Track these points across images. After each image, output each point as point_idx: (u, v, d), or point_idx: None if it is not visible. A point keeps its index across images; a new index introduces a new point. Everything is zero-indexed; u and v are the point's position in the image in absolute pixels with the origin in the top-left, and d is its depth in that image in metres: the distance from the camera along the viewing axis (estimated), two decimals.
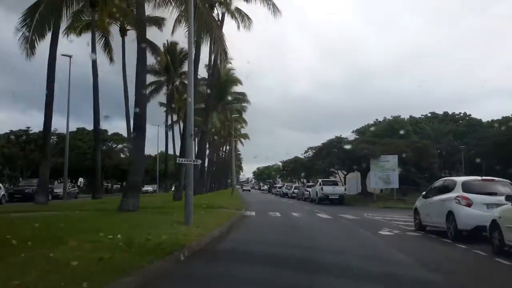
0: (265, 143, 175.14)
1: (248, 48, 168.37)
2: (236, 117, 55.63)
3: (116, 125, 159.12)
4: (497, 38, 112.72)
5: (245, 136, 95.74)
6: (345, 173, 40.88)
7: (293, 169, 58.81)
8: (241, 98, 47.87)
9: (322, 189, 30.41)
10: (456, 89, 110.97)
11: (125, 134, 62.26)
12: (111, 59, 30.62)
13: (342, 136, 36.11)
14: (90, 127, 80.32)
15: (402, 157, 32.38)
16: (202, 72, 38.65)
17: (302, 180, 62.60)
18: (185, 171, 11.06)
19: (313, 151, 38.34)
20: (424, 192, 12.81)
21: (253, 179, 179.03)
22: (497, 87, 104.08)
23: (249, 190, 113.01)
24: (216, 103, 41.23)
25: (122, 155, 72.23)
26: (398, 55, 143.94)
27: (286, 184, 52.93)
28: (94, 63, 26.63)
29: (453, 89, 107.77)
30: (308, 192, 35.26)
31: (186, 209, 10.42)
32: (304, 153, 39.60)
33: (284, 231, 11.61)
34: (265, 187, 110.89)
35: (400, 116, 60.01)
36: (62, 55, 27.20)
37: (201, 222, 11.21)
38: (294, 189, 44.35)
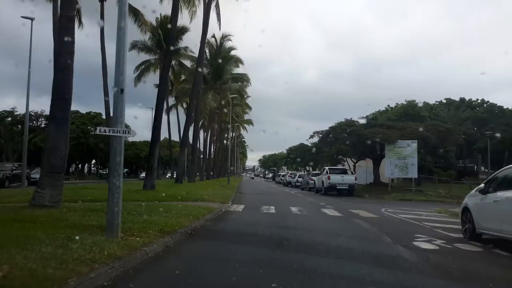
0: (272, 132, 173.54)
1: (256, 38, 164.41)
2: (236, 99, 51.55)
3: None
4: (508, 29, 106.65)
5: (249, 122, 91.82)
6: (354, 160, 36.72)
7: (297, 156, 54.71)
8: (241, 78, 43.53)
9: (328, 178, 26.35)
10: (467, 78, 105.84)
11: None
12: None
13: (353, 119, 31.69)
14: (85, 109, 77.10)
15: (423, 143, 28.16)
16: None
17: (307, 168, 58.57)
18: (111, 146, 6.84)
19: (320, 135, 34.12)
20: (482, 185, 8.64)
21: (259, 167, 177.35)
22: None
23: (252, 178, 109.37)
24: (213, 82, 37.21)
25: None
26: (408, 44, 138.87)
27: (289, 172, 48.91)
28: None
29: (465, 79, 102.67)
30: (313, 182, 31.25)
31: (108, 210, 6.43)
32: (309, 138, 35.37)
33: (270, 242, 7.55)
34: (270, 175, 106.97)
35: (415, 101, 55.38)
36: (22, 17, 23.33)
37: (142, 227, 7.24)
38: (298, 177, 40.36)
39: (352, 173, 28.17)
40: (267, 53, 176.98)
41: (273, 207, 14.94)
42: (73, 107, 62.50)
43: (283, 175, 51.85)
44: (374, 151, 29.49)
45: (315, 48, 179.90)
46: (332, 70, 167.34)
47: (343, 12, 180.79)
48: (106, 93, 26.11)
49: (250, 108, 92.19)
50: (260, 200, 19.09)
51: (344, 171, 28.30)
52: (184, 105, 66.16)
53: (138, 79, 39.71)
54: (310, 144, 45.83)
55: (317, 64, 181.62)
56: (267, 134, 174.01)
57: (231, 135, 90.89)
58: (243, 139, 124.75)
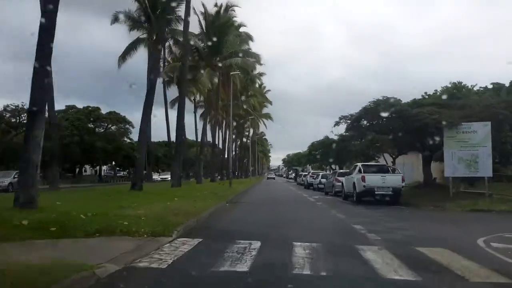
0: (296, 131, 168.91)
1: (278, 36, 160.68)
2: (243, 80, 43.98)
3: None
4: None
5: (267, 117, 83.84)
6: (394, 155, 28.35)
7: (321, 153, 46.42)
8: (248, 53, 35.65)
9: (363, 179, 18.23)
10: (496, 70, 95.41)
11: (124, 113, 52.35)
12: None
13: (394, 98, 23.13)
14: (81, 104, 69.99)
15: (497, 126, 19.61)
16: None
17: (332, 166, 50.15)
18: None
19: (347, 121, 25.88)
20: None
21: (283, 167, 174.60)
22: None
23: (273, 178, 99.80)
24: (210, 56, 29.75)
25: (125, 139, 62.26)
26: (433, 40, 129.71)
27: (311, 171, 40.66)
28: None
29: (494, 70, 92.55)
30: (340, 184, 23.15)
31: None
32: (334, 126, 27.08)
33: None
34: (293, 175, 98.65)
35: (462, 83, 46.16)
36: None
37: None
38: (321, 178, 32.21)
39: (397, 172, 19.76)
40: (290, 50, 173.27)
41: (257, 245, 7.00)
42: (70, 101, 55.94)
43: (304, 175, 43.70)
44: (425, 140, 21.10)
45: (339, 44, 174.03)
46: (356, 65, 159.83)
47: (367, 6, 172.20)
48: None
49: (270, 102, 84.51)
50: (249, 221, 11.25)
51: (384, 169, 20.07)
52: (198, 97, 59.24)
53: (122, 58, 32.60)
54: (335, 136, 37.60)
55: (341, 60, 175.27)
56: (292, 133, 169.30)
57: (250, 131, 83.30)
58: (264, 137, 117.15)
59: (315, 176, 35.47)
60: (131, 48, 33.26)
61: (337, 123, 26.41)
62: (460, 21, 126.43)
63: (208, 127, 48.94)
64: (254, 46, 44.26)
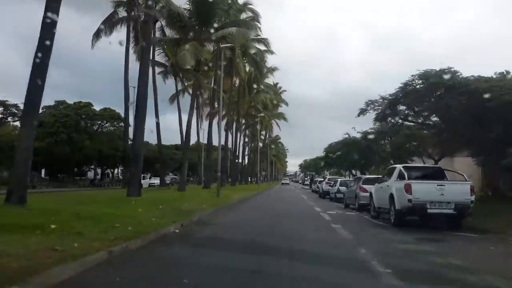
0: (314, 136, 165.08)
1: (298, 41, 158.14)
2: (250, 73, 37.69)
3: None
4: None
5: (281, 116, 77.12)
6: (436, 157, 21.40)
7: (340, 156, 39.52)
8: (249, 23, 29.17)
9: (408, 189, 11.43)
10: None
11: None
12: None
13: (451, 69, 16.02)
14: (73, 99, 63.71)
15: None
16: None
17: (353, 171, 43.07)
18: None
19: (376, 108, 19.01)
20: None
21: (300, 173, 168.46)
22: None
23: (287, 184, 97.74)
24: (198, 28, 23.41)
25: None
26: (455, 45, 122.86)
27: (328, 177, 33.66)
28: None
29: None
30: (366, 195, 16.39)
31: None
32: (358, 115, 20.03)
33: None
34: (309, 181, 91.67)
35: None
36: None
37: None
38: (340, 185, 25.42)
39: (463, 179, 12.61)
40: (309, 55, 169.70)
41: None
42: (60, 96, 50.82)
43: (319, 182, 36.89)
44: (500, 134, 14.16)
45: (359, 49, 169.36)
46: (377, 71, 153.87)
47: (388, 11, 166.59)
48: None
49: (286, 103, 77.86)
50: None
51: (438, 173, 13.04)
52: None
53: (96, 36, 26.75)
54: (358, 134, 30.76)
55: (361, 66, 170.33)
56: (310, 138, 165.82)
57: (259, 131, 76.72)
58: (278, 140, 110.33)
59: (332, 182, 28.61)
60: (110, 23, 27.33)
61: (362, 112, 19.54)
62: (483, 27, 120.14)
63: (216, 128, 42.82)
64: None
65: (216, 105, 28.76)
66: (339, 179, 27.36)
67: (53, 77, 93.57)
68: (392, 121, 19.18)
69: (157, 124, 34.22)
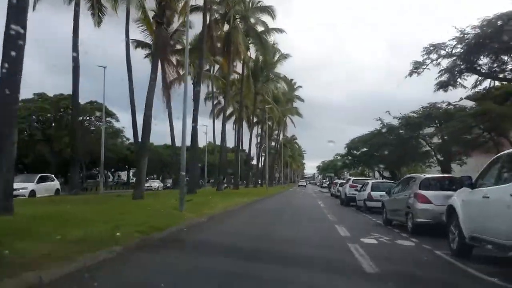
0: (332, 139, 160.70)
1: (313, 43, 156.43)
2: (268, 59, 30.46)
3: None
4: None
5: (295, 112, 69.57)
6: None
7: (366, 152, 31.83)
8: None
9: None
10: None
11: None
12: None
13: None
14: (52, 91, 56.33)
15: None
16: None
17: (380, 171, 35.30)
18: None
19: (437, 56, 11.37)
20: None
21: (318, 175, 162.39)
22: None
23: (304, 186, 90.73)
24: None
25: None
26: None
27: (352, 179, 25.72)
28: None
29: None
30: (434, 210, 8.90)
31: None
32: (410, 74, 12.40)
33: None
34: (327, 183, 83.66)
35: None
36: None
37: None
38: (373, 190, 17.87)
39: None
40: (325, 57, 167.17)
41: None
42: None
43: (341, 184, 29.41)
44: None
45: (375, 50, 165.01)
46: (395, 73, 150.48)
47: (407, 13, 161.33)
48: None
49: (302, 99, 70.44)
50: None
51: None
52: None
53: None
54: (395, 120, 23.24)
55: (378, 68, 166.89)
56: (327, 140, 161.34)
57: (265, 124, 69.33)
58: (294, 140, 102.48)
59: (360, 186, 21.00)
60: None
61: (417, 67, 11.96)
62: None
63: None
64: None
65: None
66: (370, 181, 19.62)
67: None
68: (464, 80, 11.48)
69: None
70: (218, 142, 52.99)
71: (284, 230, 10.97)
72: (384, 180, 23.32)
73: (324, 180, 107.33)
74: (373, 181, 20.22)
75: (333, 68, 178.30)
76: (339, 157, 35.41)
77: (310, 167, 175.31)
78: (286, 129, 77.00)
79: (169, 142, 43.61)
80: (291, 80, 64.91)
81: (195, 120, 24.81)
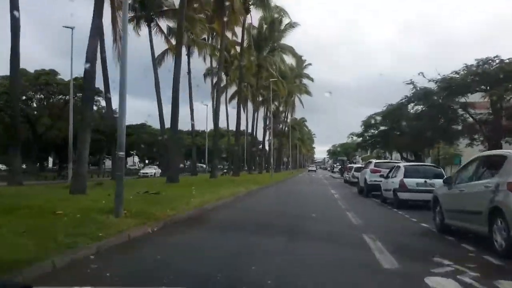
0: (342, 123, 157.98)
1: (323, 23, 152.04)
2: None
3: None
4: None
5: (302, 90, 64.28)
6: None
7: (386, 132, 26.86)
8: None
9: None
10: None
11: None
12: None
13: None
14: (33, 67, 50.34)
15: None
16: None
17: (403, 154, 30.27)
18: None
19: None
20: None
21: (329, 159, 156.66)
22: None
23: (314, 171, 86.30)
24: None
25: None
26: (485, 24, 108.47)
27: (374, 161, 20.32)
28: None
29: None
30: None
31: None
32: None
33: None
34: (339, 167, 78.53)
35: None
36: None
37: None
38: (406, 176, 13.03)
39: None
40: (336, 38, 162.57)
41: None
42: None
43: (357, 169, 24.64)
44: None
45: (387, 31, 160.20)
46: (404, 54, 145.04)
47: None
48: None
49: (311, 78, 65.01)
50: None
51: None
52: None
53: None
54: (432, 83, 18.23)
55: (388, 50, 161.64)
56: (337, 124, 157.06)
57: (270, 104, 64.49)
58: (304, 122, 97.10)
59: (385, 171, 16.17)
60: None
61: None
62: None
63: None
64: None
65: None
66: (401, 165, 14.68)
67: None
68: None
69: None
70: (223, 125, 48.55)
71: (277, 258, 6.09)
72: (416, 163, 18.39)
73: (335, 165, 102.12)
74: (407, 164, 15.32)
75: (341, 50, 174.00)
76: (354, 137, 30.35)
77: (320, 151, 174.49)
78: (294, 109, 71.90)
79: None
80: (301, 57, 59.71)
81: (175, 101, 20.07)
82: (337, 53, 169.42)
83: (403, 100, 21.02)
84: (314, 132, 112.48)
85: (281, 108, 67.41)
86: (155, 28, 32.78)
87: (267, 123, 60.84)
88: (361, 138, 30.53)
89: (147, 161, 63.16)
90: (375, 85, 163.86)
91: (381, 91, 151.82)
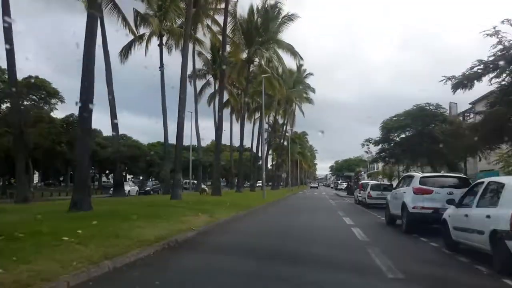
0: (343, 140, 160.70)
1: (323, 41, 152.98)
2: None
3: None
4: None
5: (303, 97, 57.26)
6: None
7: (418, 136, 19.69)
8: None
9: None
10: None
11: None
12: None
13: None
14: None
15: None
16: None
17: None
18: None
19: None
20: None
21: (331, 176, 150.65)
22: None
23: (316, 187, 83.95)
24: None
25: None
26: (486, 45, 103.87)
27: (418, 175, 12.93)
28: None
29: None
30: None
31: None
32: None
33: None
34: (344, 185, 70.81)
35: None
36: None
37: None
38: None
39: None
40: (336, 56, 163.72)
41: None
42: None
43: (375, 187, 17.34)
44: None
45: (387, 49, 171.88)
46: (405, 71, 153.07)
47: (416, 11, 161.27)
48: None
49: (312, 89, 58.32)
50: None
51: None
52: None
53: None
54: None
55: (388, 67, 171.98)
56: (339, 141, 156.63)
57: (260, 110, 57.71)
58: (305, 135, 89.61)
59: (439, 190, 9.06)
60: None
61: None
62: None
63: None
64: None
65: None
66: (506, 182, 7.47)
67: None
68: None
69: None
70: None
71: None
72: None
73: (339, 181, 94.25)
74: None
75: (341, 67, 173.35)
76: (370, 144, 22.62)
77: (321, 168, 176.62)
78: (294, 121, 64.83)
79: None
80: (301, 66, 52.88)
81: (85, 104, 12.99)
82: (338, 69, 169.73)
83: (474, 69, 13.40)
84: (315, 148, 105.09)
85: (279, 119, 60.49)
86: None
87: (263, 132, 54.07)
88: (380, 146, 23.06)
89: (129, 177, 55.73)
90: (375, 103, 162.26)
91: (382, 108, 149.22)
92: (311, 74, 57.61)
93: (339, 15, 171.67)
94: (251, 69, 35.09)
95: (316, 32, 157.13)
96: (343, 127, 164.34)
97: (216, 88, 44.81)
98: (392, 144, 22.30)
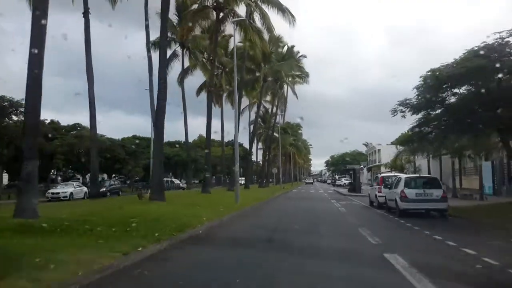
0: (337, 136, 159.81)
1: (316, 37, 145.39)
2: None
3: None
4: None
5: (294, 78, 48.18)
6: None
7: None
8: None
9: None
10: None
11: None
12: None
13: None
14: None
15: None
16: None
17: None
18: None
19: None
20: None
21: (326, 171, 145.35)
22: None
23: (311, 183, 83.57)
24: None
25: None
26: (477, 36, 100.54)
27: None
28: None
29: None
30: None
31: None
32: None
33: None
34: (344, 180, 61.97)
35: None
36: None
37: None
38: None
39: None
40: (329, 53, 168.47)
41: None
42: None
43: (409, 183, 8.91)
44: None
45: (379, 46, 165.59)
46: (397, 68, 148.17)
47: (407, 8, 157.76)
48: None
49: (306, 73, 49.47)
50: None
51: None
52: None
53: None
54: None
55: (381, 63, 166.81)
56: (333, 137, 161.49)
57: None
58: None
59: None
60: None
61: None
62: (504, 17, 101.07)
63: None
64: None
65: None
66: None
67: None
68: None
69: None
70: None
71: None
72: None
73: (336, 177, 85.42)
74: None
75: (334, 63, 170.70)
76: (406, 112, 13.61)
77: (316, 164, 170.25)
78: (286, 107, 55.74)
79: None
80: (293, 46, 43.75)
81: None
82: (330, 66, 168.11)
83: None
84: (302, 133, 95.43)
85: (268, 107, 51.48)
86: None
87: (237, 112, 45.41)
88: (420, 115, 13.28)
89: (72, 176, 45.41)
90: (368, 99, 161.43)
91: (375, 104, 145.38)
92: (304, 56, 47.97)
93: (330, 14, 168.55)
94: (223, 27, 26.12)
95: (307, 30, 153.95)
96: (336, 124, 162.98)
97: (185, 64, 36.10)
98: (443, 111, 13.05)
